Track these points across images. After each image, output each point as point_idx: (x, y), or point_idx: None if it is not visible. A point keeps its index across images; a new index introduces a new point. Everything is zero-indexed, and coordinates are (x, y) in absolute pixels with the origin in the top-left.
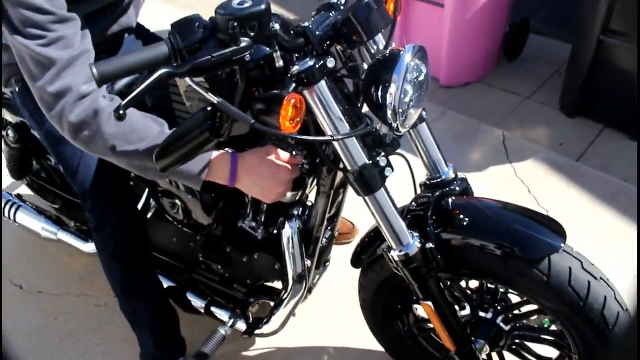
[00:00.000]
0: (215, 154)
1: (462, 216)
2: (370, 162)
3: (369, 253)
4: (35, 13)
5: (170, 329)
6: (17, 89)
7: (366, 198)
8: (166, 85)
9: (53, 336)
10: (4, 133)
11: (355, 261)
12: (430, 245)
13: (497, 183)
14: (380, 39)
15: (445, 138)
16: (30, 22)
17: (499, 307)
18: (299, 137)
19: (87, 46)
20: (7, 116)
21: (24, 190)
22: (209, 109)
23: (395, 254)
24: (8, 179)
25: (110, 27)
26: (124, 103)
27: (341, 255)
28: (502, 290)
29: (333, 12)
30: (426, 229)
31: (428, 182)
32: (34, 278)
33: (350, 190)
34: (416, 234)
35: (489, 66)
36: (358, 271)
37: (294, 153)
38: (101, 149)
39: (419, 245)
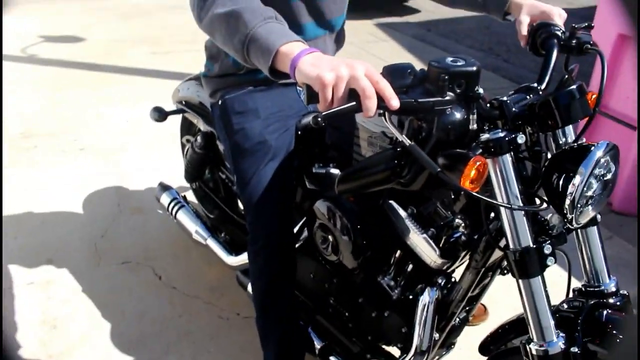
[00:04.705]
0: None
1: (615, 332)
2: (535, 246)
3: (500, 344)
4: None
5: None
6: (219, 102)
7: (520, 281)
8: (351, 131)
9: (172, 330)
10: (192, 138)
11: (484, 349)
12: (575, 349)
13: None
14: (570, 132)
15: None
16: None
17: None
18: (477, 195)
19: None
20: (200, 124)
21: (190, 195)
22: (398, 149)
23: (534, 347)
24: (180, 180)
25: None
26: (323, 114)
27: (467, 336)
28: None
29: (531, 95)
30: (574, 334)
31: (583, 289)
32: (173, 274)
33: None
34: (562, 334)
35: None
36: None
37: None
38: (211, 15)
39: (562, 347)
